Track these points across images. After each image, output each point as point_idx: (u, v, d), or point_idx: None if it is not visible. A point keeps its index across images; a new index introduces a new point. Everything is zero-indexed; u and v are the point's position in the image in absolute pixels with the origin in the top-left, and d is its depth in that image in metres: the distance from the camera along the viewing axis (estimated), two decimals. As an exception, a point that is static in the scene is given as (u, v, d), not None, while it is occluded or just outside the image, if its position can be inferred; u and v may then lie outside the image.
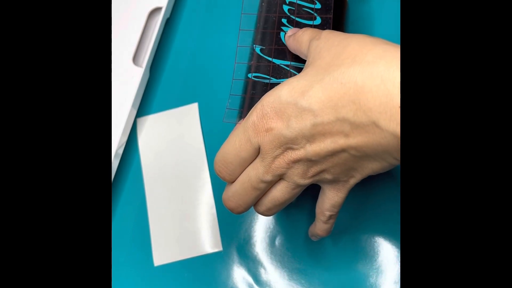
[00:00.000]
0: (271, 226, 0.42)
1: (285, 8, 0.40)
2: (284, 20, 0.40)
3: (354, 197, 0.41)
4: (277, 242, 0.41)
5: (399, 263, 0.39)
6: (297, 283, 0.40)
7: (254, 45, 0.40)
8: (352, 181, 0.33)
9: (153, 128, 0.46)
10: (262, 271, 0.41)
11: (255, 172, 0.32)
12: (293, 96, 0.30)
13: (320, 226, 0.36)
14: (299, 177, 0.32)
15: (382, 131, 0.28)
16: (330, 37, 0.32)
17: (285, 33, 0.39)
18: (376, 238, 0.40)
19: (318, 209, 0.35)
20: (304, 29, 0.36)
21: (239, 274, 0.41)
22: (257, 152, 0.32)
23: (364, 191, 0.41)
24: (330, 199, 0.34)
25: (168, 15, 0.49)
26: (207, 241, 0.42)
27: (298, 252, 0.41)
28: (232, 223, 0.42)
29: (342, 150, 0.30)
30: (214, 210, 0.43)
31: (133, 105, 0.44)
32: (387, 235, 0.40)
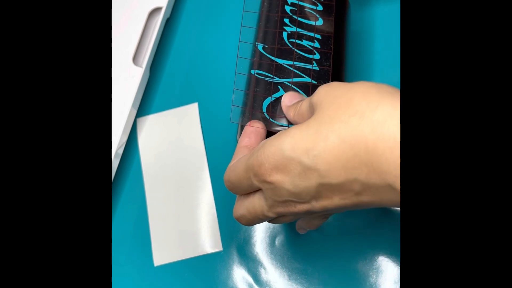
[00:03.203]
0: (271, 226, 0.42)
1: (287, 8, 0.40)
2: (286, 20, 0.40)
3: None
4: (277, 242, 0.41)
5: (399, 263, 0.39)
6: (297, 283, 0.40)
7: (257, 43, 0.40)
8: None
9: (153, 128, 0.46)
10: (262, 271, 0.41)
11: (261, 208, 0.32)
12: (296, 153, 0.28)
13: (311, 224, 0.36)
14: (303, 215, 0.32)
15: (399, 193, 0.26)
16: (329, 89, 0.30)
17: (282, 101, 0.37)
18: (376, 238, 0.40)
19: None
20: (299, 101, 0.34)
21: (239, 274, 0.41)
22: (256, 188, 0.32)
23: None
24: (326, 216, 0.35)
25: (168, 15, 0.49)
26: (207, 241, 0.42)
27: (298, 252, 0.41)
28: (232, 223, 0.42)
29: (352, 206, 0.29)
30: (214, 210, 0.43)
31: (133, 105, 0.44)
32: (387, 235, 0.40)
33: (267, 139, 0.31)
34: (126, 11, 0.47)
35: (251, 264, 0.41)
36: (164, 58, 0.49)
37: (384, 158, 0.26)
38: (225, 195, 0.43)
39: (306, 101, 0.33)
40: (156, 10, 0.48)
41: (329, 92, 0.30)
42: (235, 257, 0.41)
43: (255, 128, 0.37)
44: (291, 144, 0.29)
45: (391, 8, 0.46)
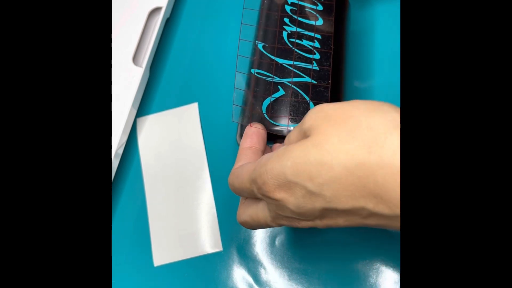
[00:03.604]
0: (271, 226, 0.42)
1: (287, 8, 0.40)
2: (286, 20, 0.40)
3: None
4: (277, 242, 0.41)
5: (399, 264, 0.39)
6: (297, 283, 0.40)
7: (257, 42, 0.40)
8: None
9: (153, 128, 0.46)
10: (262, 271, 0.41)
11: (264, 218, 0.32)
12: (299, 178, 0.28)
13: None
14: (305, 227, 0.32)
15: None
16: (324, 112, 0.29)
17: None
18: (376, 238, 0.40)
19: None
20: (287, 135, 0.32)
21: (239, 274, 0.41)
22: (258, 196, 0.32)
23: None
24: None
25: (168, 15, 0.49)
26: (207, 241, 0.42)
27: (298, 252, 0.41)
28: (232, 223, 0.42)
29: (356, 225, 0.29)
30: (214, 210, 0.43)
31: (133, 105, 0.44)
32: (387, 235, 0.40)
33: (270, 154, 0.30)
34: (126, 11, 0.47)
35: (251, 264, 0.41)
36: (164, 58, 0.49)
37: (394, 193, 0.26)
38: (225, 195, 0.43)
39: (294, 130, 0.32)
40: (156, 10, 0.48)
41: (327, 115, 0.29)
42: (235, 257, 0.41)
43: (256, 129, 0.37)
44: (293, 169, 0.28)
45: (391, 8, 0.45)
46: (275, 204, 0.30)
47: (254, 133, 0.36)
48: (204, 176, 0.44)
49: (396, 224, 0.27)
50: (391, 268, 0.39)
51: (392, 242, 0.40)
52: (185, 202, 0.44)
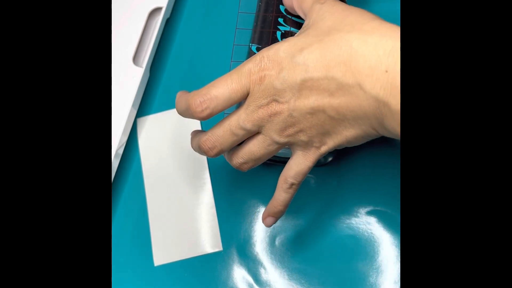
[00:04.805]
0: (271, 226, 0.42)
1: (282, 8, 0.40)
2: (280, 20, 0.40)
3: (354, 196, 0.41)
4: (277, 242, 0.41)
5: (399, 263, 0.39)
6: (297, 283, 0.40)
7: (251, 44, 0.40)
8: (323, 149, 0.34)
9: (153, 128, 0.46)
10: (262, 271, 0.41)
11: (237, 118, 0.34)
12: (291, 51, 0.32)
13: (279, 196, 0.36)
14: (276, 133, 0.33)
15: (365, 93, 0.30)
16: (334, 4, 0.34)
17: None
18: (376, 238, 0.40)
19: (281, 177, 0.36)
20: None
21: (239, 274, 0.41)
22: (244, 98, 0.34)
23: (364, 190, 0.41)
24: (297, 165, 0.35)
25: (168, 15, 0.49)
26: (207, 241, 0.42)
27: (298, 252, 0.41)
28: (232, 223, 0.42)
29: (323, 110, 0.32)
30: (214, 210, 0.43)
31: (133, 105, 0.44)
32: (387, 235, 0.40)
33: (266, 47, 0.34)
34: (126, 11, 0.47)
35: (251, 264, 0.41)
36: (164, 58, 0.49)
37: (361, 59, 0.30)
38: (225, 195, 0.43)
39: None
40: (156, 10, 0.48)
41: (333, 5, 0.34)
42: (235, 257, 0.41)
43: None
44: (289, 45, 0.32)
45: (389, 7, 0.45)
46: (260, 89, 0.33)
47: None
48: (204, 176, 0.44)
49: (357, 99, 0.30)
50: (391, 268, 0.39)
51: (393, 242, 0.40)
52: (185, 202, 0.44)
